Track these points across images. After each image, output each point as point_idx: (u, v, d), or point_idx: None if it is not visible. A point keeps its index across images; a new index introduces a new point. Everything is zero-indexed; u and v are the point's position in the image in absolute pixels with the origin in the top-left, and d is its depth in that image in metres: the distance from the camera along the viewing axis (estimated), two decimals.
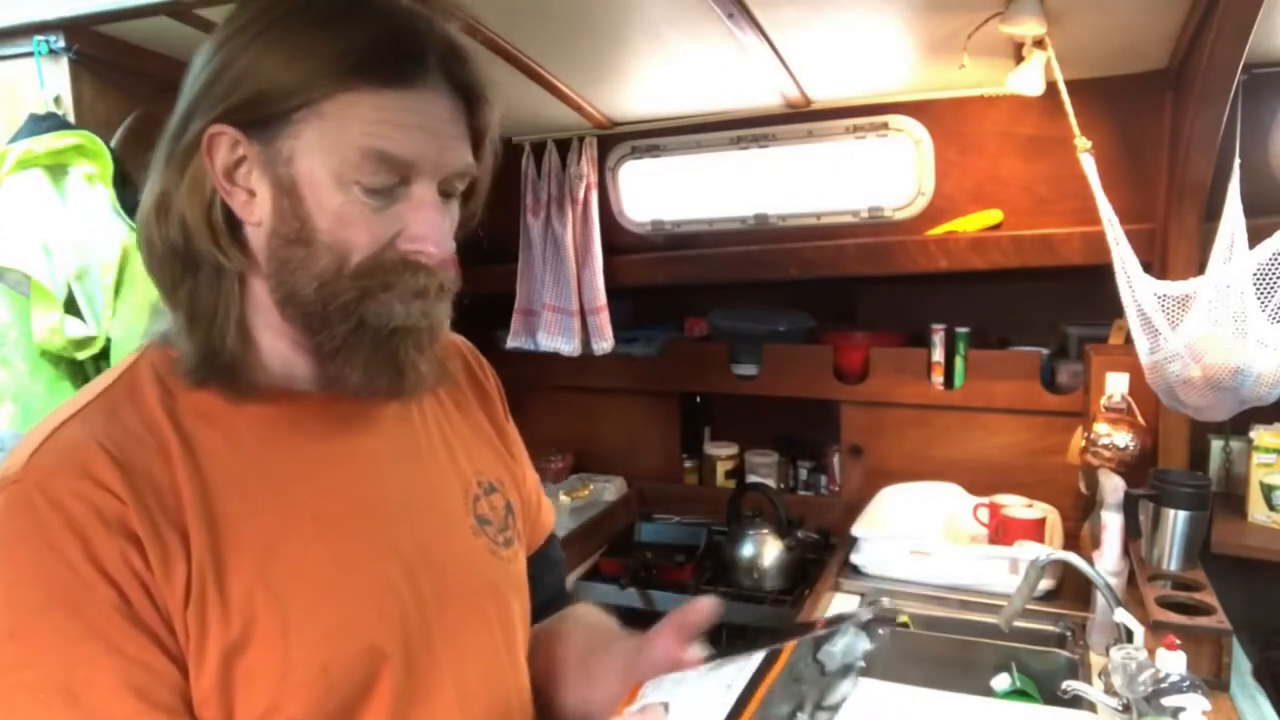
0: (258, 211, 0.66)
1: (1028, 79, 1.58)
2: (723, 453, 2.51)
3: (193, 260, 0.67)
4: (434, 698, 0.72)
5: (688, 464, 2.56)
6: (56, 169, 1.40)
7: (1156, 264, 1.72)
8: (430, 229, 0.67)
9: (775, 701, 0.63)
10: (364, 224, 0.66)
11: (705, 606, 0.77)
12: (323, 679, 0.65)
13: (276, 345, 0.71)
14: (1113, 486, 1.63)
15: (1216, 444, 1.86)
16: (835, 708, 0.63)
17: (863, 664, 0.66)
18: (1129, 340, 1.58)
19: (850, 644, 0.66)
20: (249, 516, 0.66)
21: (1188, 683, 1.18)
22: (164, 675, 0.62)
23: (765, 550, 2.06)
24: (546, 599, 0.95)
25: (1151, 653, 1.25)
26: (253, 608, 0.64)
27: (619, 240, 2.32)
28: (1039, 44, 1.53)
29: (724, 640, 2.08)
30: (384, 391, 0.71)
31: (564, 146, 2.23)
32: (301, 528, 0.68)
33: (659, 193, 2.28)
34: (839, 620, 0.68)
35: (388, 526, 0.73)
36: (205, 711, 0.63)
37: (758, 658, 0.67)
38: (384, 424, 0.76)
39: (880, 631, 0.66)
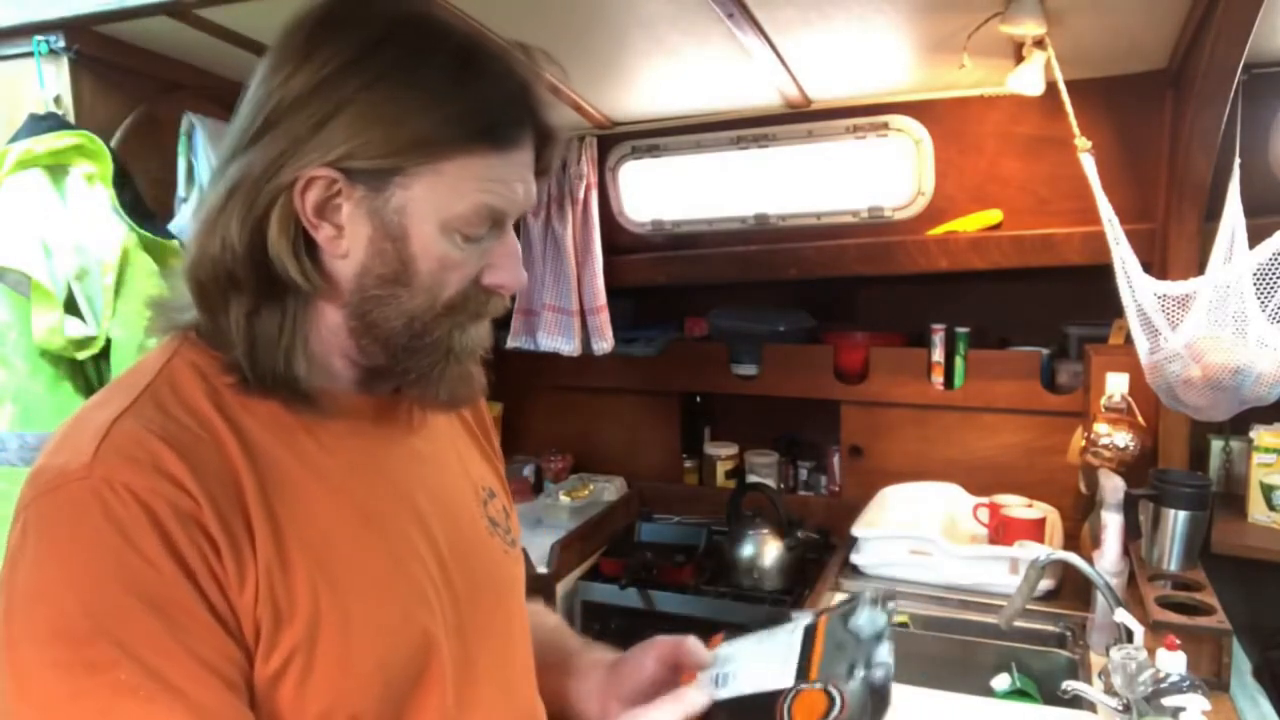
0: (345, 245, 0.67)
1: (1028, 79, 1.58)
2: (723, 453, 2.50)
3: (265, 284, 0.67)
4: (479, 691, 0.75)
5: (688, 464, 2.55)
6: (56, 169, 1.40)
7: (1156, 264, 1.72)
8: (516, 267, 0.73)
9: (832, 662, 0.71)
10: (459, 267, 0.69)
11: (697, 650, 0.83)
12: (380, 674, 0.67)
13: (329, 358, 0.73)
14: (1113, 486, 1.63)
15: (1216, 444, 1.86)
16: (884, 665, 0.69)
17: (890, 633, 0.72)
18: (1129, 340, 1.57)
19: (870, 618, 0.73)
20: (304, 512, 0.67)
21: (1188, 683, 1.19)
22: (243, 669, 0.62)
23: (765, 550, 2.06)
24: None
25: (1151, 653, 1.25)
26: (316, 604, 0.64)
27: (619, 240, 2.32)
28: (1039, 44, 1.53)
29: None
30: (459, 404, 0.77)
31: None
32: (353, 524, 0.70)
33: (659, 193, 2.28)
34: (847, 601, 0.76)
35: (425, 524, 0.75)
36: (263, 710, 0.63)
37: (800, 629, 0.75)
38: (413, 426, 0.80)
39: (889, 605, 0.73)
